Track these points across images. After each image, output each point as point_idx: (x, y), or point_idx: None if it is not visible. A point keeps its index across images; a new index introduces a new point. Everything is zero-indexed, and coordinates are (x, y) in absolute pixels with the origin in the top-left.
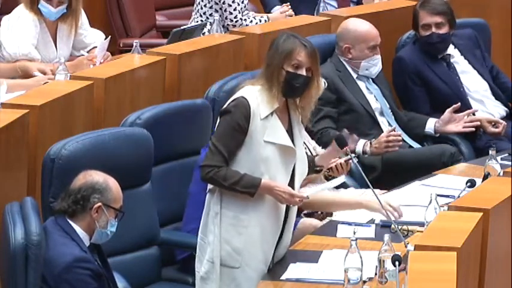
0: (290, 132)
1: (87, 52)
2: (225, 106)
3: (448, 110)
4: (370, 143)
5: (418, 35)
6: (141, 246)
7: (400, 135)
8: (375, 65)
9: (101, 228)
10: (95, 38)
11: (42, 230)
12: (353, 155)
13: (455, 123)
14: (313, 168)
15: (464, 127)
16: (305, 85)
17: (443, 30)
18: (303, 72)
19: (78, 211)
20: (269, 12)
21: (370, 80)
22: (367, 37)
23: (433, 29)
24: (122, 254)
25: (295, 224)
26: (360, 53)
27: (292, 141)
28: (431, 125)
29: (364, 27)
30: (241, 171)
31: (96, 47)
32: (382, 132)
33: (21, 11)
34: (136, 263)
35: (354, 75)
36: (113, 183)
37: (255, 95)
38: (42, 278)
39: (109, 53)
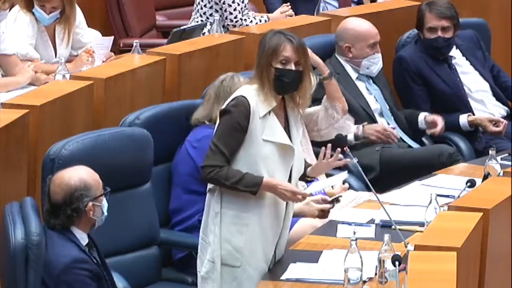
0: (287, 130)
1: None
2: (224, 105)
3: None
4: (363, 126)
5: (422, 35)
6: (141, 246)
7: (396, 136)
8: (375, 63)
9: (100, 217)
10: (92, 38)
11: (42, 230)
12: (355, 159)
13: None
14: (304, 178)
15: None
16: (297, 79)
17: (449, 34)
18: (292, 67)
19: (75, 220)
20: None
21: (371, 80)
22: (366, 35)
23: (439, 33)
24: (122, 254)
25: (293, 223)
26: (361, 52)
27: (290, 139)
28: (422, 119)
29: (363, 25)
30: (241, 170)
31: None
32: (376, 142)
33: (17, 13)
34: (136, 263)
35: (354, 76)
36: (87, 176)
37: (253, 94)
38: (41, 280)
39: (112, 53)
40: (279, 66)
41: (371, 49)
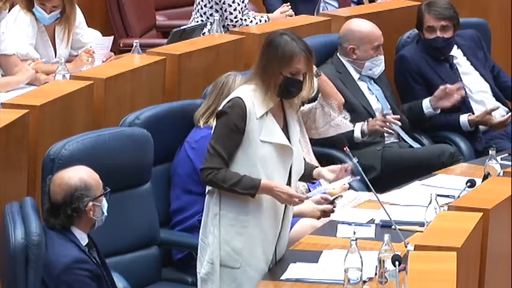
0: (286, 130)
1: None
2: (221, 107)
3: (441, 88)
4: (367, 122)
5: (422, 35)
6: (141, 246)
7: (398, 119)
8: (378, 65)
9: (100, 217)
10: (92, 38)
11: (42, 230)
12: (355, 159)
13: (447, 98)
14: (308, 178)
15: (455, 99)
16: (300, 89)
17: (449, 34)
18: (300, 78)
19: (75, 220)
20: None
21: (372, 80)
22: (371, 37)
23: (438, 33)
24: (122, 254)
25: (293, 223)
26: (365, 54)
27: (289, 139)
28: (427, 103)
29: (368, 27)
30: (239, 171)
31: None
32: (383, 132)
33: (17, 13)
34: (136, 263)
35: (356, 76)
36: (87, 176)
37: (250, 95)
38: (41, 280)
39: (112, 53)
40: (289, 75)
41: (375, 51)
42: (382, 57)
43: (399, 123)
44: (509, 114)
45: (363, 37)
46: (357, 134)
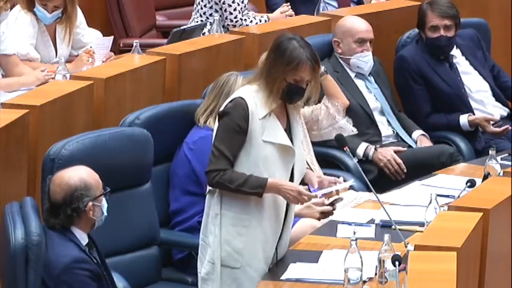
0: (288, 131)
1: None
2: (222, 107)
3: None
4: (375, 149)
5: (424, 35)
6: (141, 246)
7: (403, 170)
8: (365, 62)
9: (99, 217)
10: (93, 38)
11: (42, 230)
12: (355, 159)
13: None
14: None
15: None
16: (302, 95)
17: (451, 32)
18: (304, 85)
19: (75, 220)
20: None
21: (372, 78)
22: (353, 31)
23: (442, 32)
24: (122, 254)
25: (293, 223)
26: (348, 47)
27: (291, 140)
28: (414, 136)
29: (351, 21)
30: (241, 171)
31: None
32: (379, 131)
33: (18, 13)
34: (136, 263)
35: (352, 75)
36: (87, 176)
37: (252, 95)
38: (41, 280)
39: (112, 53)
40: (292, 82)
41: (358, 46)
42: (369, 53)
43: (403, 176)
44: (505, 127)
45: (345, 30)
46: (360, 151)
